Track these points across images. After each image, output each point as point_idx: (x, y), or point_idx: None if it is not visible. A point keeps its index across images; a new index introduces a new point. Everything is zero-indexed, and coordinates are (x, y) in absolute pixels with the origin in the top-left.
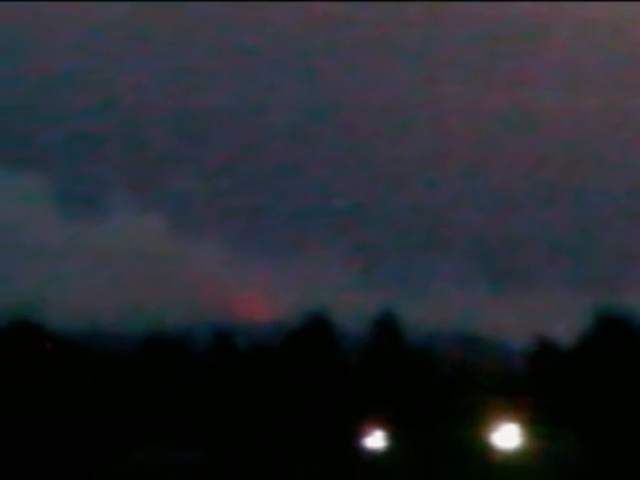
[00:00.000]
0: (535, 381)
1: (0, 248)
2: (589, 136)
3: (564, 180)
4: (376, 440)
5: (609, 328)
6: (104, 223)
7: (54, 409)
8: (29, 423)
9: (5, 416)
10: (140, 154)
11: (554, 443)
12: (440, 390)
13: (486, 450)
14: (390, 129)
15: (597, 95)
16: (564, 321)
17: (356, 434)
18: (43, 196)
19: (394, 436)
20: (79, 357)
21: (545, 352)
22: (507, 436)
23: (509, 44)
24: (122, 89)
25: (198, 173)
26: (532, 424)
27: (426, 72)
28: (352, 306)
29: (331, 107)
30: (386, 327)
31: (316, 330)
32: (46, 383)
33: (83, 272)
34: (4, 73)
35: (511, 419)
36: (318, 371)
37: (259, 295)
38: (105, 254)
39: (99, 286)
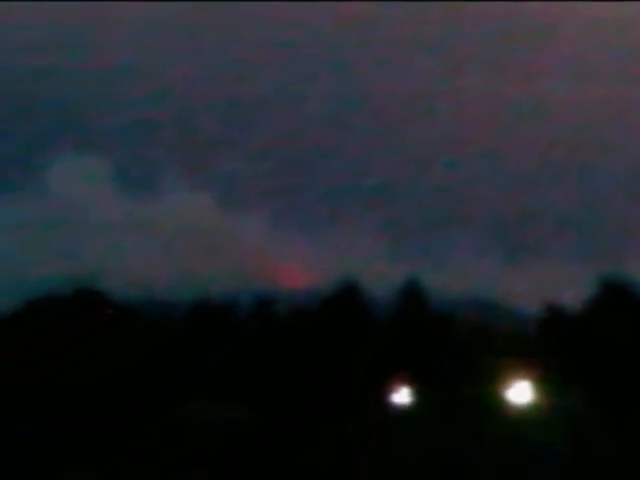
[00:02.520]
0: (545, 343)
1: (66, 224)
2: (594, 123)
3: (572, 162)
4: (402, 396)
5: (612, 295)
6: (159, 201)
7: (113, 369)
8: (90, 381)
9: (72, 374)
10: (191, 139)
11: (562, 398)
12: (460, 351)
13: (501, 405)
14: (415, 116)
15: (602, 86)
16: (572, 289)
17: (384, 390)
18: (104, 177)
19: (419, 392)
20: (135, 322)
21: (554, 317)
22: (520, 392)
23: (523, 40)
24: (175, 80)
25: (244, 156)
26: (542, 382)
27: (448, 65)
28: (381, 275)
29: (362, 97)
30: (412, 294)
31: (348, 297)
32: (107, 345)
33: (139, 245)
34: (71, 67)
35: (524, 377)
36: (350, 334)
37: (298, 265)
38: (159, 229)
39: (153, 258)
